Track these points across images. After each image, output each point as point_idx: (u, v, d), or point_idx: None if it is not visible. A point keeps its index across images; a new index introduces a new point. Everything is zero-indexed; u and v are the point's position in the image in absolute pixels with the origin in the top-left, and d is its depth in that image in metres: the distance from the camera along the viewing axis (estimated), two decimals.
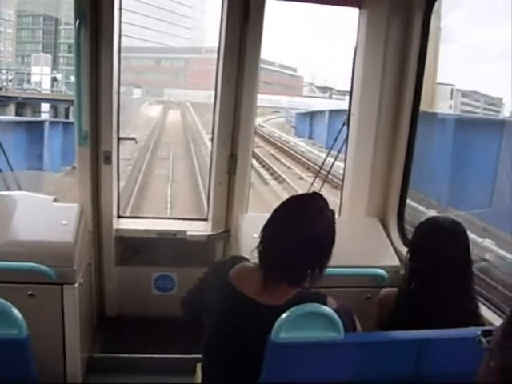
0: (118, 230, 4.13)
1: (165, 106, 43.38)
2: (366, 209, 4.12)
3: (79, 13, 3.55)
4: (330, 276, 3.31)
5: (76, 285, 3.33)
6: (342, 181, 4.39)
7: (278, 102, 46.94)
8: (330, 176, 5.00)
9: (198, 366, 2.63)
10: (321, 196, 2.27)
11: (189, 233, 4.18)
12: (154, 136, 25.67)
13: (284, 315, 1.91)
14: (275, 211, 2.22)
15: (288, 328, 1.92)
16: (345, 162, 4.29)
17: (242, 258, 2.39)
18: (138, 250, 4.20)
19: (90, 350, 3.81)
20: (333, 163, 4.66)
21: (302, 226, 2.13)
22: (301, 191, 4.71)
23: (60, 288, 3.29)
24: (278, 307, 2.04)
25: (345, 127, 4.23)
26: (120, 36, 3.96)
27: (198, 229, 4.28)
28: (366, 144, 4.01)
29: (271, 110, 44.02)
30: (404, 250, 3.84)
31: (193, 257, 4.21)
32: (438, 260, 2.57)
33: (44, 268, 3.19)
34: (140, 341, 3.91)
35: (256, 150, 19.10)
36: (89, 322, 3.88)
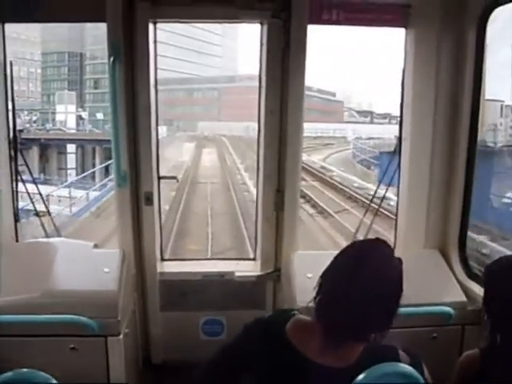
0: (162, 274, 4.17)
1: (198, 143, 40.59)
2: (424, 241, 4.08)
3: (113, 49, 3.66)
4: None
5: (121, 336, 3.38)
6: (396, 212, 4.36)
7: (326, 131, 45.90)
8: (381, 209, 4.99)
9: None
10: (385, 242, 2.19)
11: (237, 273, 4.19)
12: (181, 199, 19.62)
13: (359, 378, 1.82)
14: (336, 257, 2.13)
15: None
16: (398, 191, 4.28)
17: (289, 311, 2.28)
18: (184, 293, 4.22)
19: None
20: (384, 194, 4.67)
21: (369, 276, 2.03)
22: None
23: (104, 340, 3.34)
24: (348, 369, 1.95)
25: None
26: (156, 69, 4.04)
27: (246, 269, 4.29)
28: (421, 172, 3.99)
29: (322, 142, 41.98)
30: (469, 283, 3.81)
31: (242, 299, 4.23)
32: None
33: (86, 320, 3.25)
34: None
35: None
36: (134, 370, 3.91)
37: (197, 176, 26.37)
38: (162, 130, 39.09)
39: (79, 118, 42.33)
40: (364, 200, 17.16)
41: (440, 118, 3.87)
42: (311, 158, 34.08)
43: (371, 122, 51.16)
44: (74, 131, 40.69)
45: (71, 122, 41.63)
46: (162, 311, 4.21)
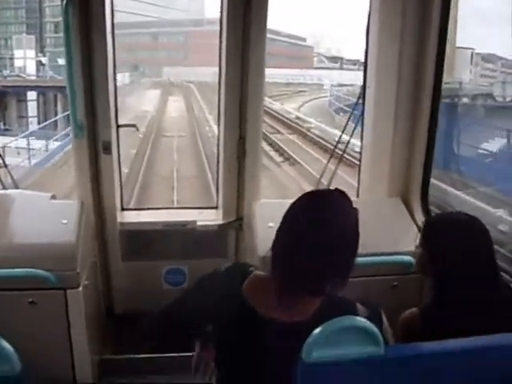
0: (122, 224, 4.14)
1: (163, 90, 39.13)
2: (387, 189, 4.10)
3: None
4: (356, 265, 3.36)
5: (80, 288, 3.33)
6: (360, 160, 4.37)
7: (297, 77, 44.28)
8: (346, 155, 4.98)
9: None
10: (342, 192, 2.13)
11: (199, 222, 4.18)
12: (142, 159, 18.13)
13: (315, 332, 1.79)
14: (290, 209, 2.05)
15: (320, 346, 1.78)
16: (361, 139, 4.27)
17: (247, 267, 2.21)
18: (146, 243, 4.20)
19: (100, 352, 3.83)
20: (348, 141, 4.65)
21: (323, 226, 1.97)
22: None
23: (63, 293, 3.30)
24: (305, 324, 1.90)
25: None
26: (113, 12, 3.90)
27: (209, 218, 4.28)
28: (385, 119, 3.97)
29: (294, 89, 40.76)
30: None
31: (204, 248, 4.22)
32: (465, 259, 2.49)
33: (44, 273, 3.18)
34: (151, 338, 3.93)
35: None
36: (97, 322, 3.89)
37: (162, 128, 24.88)
38: (125, 77, 36.16)
39: (39, 63, 40.71)
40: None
41: (405, 65, 3.82)
42: (284, 106, 34.10)
43: (341, 68, 50.07)
44: (34, 78, 38.99)
45: (31, 68, 39.91)
46: (123, 261, 4.19)
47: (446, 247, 2.55)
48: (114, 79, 4.02)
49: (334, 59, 52.77)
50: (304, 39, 54.02)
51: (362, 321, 1.85)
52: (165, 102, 34.93)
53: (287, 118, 27.65)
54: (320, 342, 1.79)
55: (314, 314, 1.98)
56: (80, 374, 3.44)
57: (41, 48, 42.93)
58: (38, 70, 40.44)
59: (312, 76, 45.69)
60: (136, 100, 31.10)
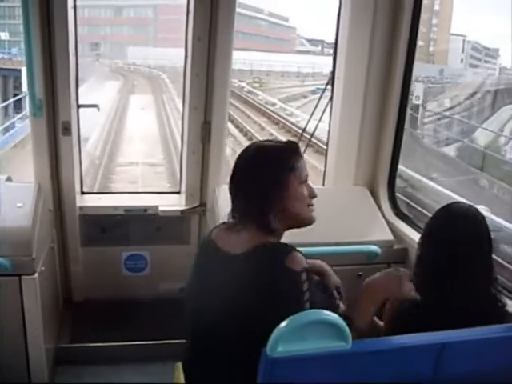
0: (82, 208, 4.05)
1: (124, 84, 29.30)
2: (354, 177, 4.10)
3: None
4: (321, 255, 3.36)
5: (36, 275, 3.24)
6: (327, 146, 4.34)
7: (275, 63, 39.35)
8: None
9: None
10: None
11: (161, 208, 4.11)
12: None
13: (281, 326, 1.78)
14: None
15: (286, 340, 1.77)
16: (329, 125, 4.24)
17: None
18: (105, 228, 4.13)
19: (56, 341, 3.76)
20: (316, 126, 4.63)
21: (255, 171, 2.17)
22: None
23: (18, 279, 3.20)
24: (243, 255, 2.08)
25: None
26: None
27: (171, 203, 4.22)
28: (354, 107, 3.95)
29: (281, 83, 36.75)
30: (396, 221, 3.88)
31: (166, 234, 4.18)
32: (455, 248, 2.42)
33: None
34: (111, 326, 3.88)
35: None
36: (54, 310, 3.82)
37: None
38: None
39: None
40: None
41: (376, 55, 3.81)
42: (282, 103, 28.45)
43: (322, 53, 45.44)
44: None
45: None
46: (82, 247, 4.11)
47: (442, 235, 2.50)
48: (76, 56, 3.90)
49: (314, 42, 49.68)
50: (286, 19, 49.63)
51: (329, 315, 1.83)
52: (123, 109, 22.72)
53: (285, 120, 21.44)
54: (285, 336, 1.77)
55: (253, 248, 2.09)
56: (34, 362, 3.35)
57: None
58: None
59: (298, 63, 41.10)
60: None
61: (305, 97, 31.64)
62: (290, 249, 2.09)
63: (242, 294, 2.04)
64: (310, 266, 2.28)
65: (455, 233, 2.45)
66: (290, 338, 1.78)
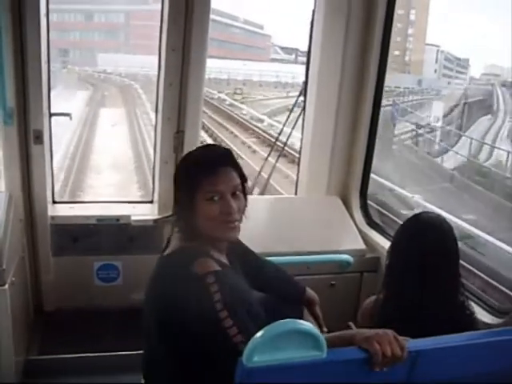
0: (53, 218, 4.01)
1: (93, 94, 26.65)
2: (326, 187, 4.14)
3: None
4: (293, 264, 3.39)
5: (6, 286, 3.18)
6: (299, 155, 4.39)
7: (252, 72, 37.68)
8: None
9: None
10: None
11: (133, 217, 4.10)
12: None
13: (257, 336, 1.79)
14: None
15: (262, 350, 1.78)
16: (302, 134, 4.28)
17: None
18: (77, 237, 4.10)
19: (26, 353, 3.71)
20: (289, 134, 4.67)
21: None
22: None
23: None
24: (161, 257, 2.21)
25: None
26: None
27: (143, 212, 4.21)
28: (326, 116, 4.00)
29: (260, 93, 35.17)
30: (368, 230, 3.93)
31: (138, 243, 4.16)
32: (424, 257, 2.49)
33: None
34: (82, 336, 3.84)
35: None
36: (24, 320, 3.77)
37: None
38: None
39: None
40: None
41: (348, 64, 3.87)
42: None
43: (295, 62, 44.29)
44: None
45: None
46: (54, 256, 4.07)
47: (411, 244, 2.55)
48: (48, 64, 3.88)
49: (288, 50, 48.59)
50: (261, 26, 48.79)
51: (304, 325, 1.85)
52: (91, 125, 19.73)
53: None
54: (261, 346, 1.78)
55: (172, 251, 2.19)
56: (3, 375, 3.29)
57: None
58: None
59: (276, 71, 39.57)
60: None
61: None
62: (199, 254, 2.09)
63: (156, 295, 2.13)
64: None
65: (424, 243, 2.51)
66: (266, 347, 1.79)
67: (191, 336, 2.00)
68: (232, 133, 20.33)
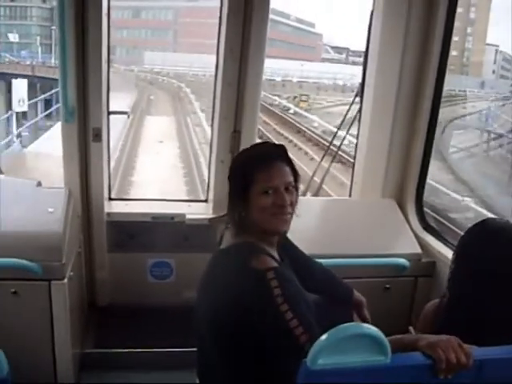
0: (109, 214, 4.10)
1: (138, 100, 23.16)
2: (381, 189, 4.11)
3: None
4: (347, 267, 3.40)
5: (65, 280, 3.28)
6: (354, 158, 4.37)
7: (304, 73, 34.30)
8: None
9: None
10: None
11: (188, 216, 4.15)
12: None
13: (322, 339, 1.81)
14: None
15: (326, 353, 1.79)
16: (357, 137, 4.27)
17: None
18: (132, 234, 4.18)
19: (81, 346, 3.80)
20: (343, 138, 4.68)
21: None
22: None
23: (47, 284, 3.24)
24: (217, 252, 2.37)
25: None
26: None
27: (198, 211, 4.26)
28: (383, 118, 3.98)
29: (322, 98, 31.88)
30: (424, 234, 3.89)
31: (192, 242, 4.21)
32: (496, 264, 2.43)
33: (29, 264, 3.14)
34: (134, 332, 3.93)
35: None
36: (79, 314, 3.86)
37: None
38: None
39: None
40: None
41: (407, 65, 3.83)
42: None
43: (346, 62, 43.64)
44: None
45: None
46: (109, 253, 4.16)
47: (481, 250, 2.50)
48: (108, 63, 3.97)
49: (338, 49, 47.69)
50: (313, 25, 47.70)
51: (369, 328, 1.86)
52: (134, 142, 16.22)
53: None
54: (326, 349, 1.80)
55: (227, 246, 2.33)
56: (61, 367, 3.40)
57: None
58: None
59: (332, 73, 36.64)
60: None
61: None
62: (256, 250, 2.18)
63: (212, 289, 2.22)
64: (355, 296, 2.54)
65: (496, 249, 2.46)
66: (330, 350, 1.81)
67: (250, 330, 2.07)
68: (307, 154, 16.94)
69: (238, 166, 2.34)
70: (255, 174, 2.21)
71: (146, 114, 20.77)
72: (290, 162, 2.29)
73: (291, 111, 26.48)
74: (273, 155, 2.26)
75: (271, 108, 24.25)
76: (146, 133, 17.57)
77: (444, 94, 3.82)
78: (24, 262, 3.14)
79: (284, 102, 28.13)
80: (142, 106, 22.44)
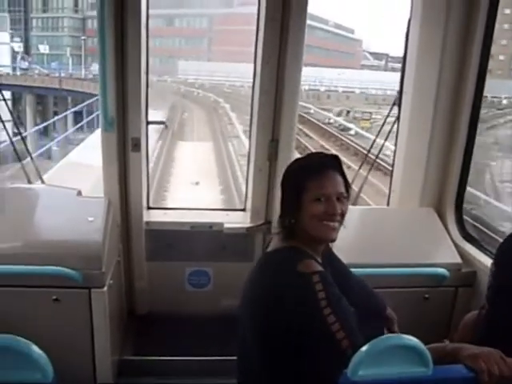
0: (148, 223, 4.16)
1: (171, 115, 20.50)
2: (420, 198, 4.09)
3: None
4: (386, 276, 3.40)
5: (105, 288, 3.35)
6: (392, 167, 4.36)
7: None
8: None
9: None
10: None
11: (226, 225, 4.19)
12: None
13: (362, 350, 1.83)
14: None
15: (367, 364, 1.81)
16: (396, 145, 4.25)
17: None
18: (170, 243, 4.23)
19: (120, 353, 3.86)
20: (382, 146, 4.68)
21: None
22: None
23: (88, 292, 3.32)
24: (262, 255, 2.50)
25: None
26: (148, 2, 3.86)
27: (236, 220, 4.30)
28: (422, 126, 3.96)
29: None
30: (464, 244, 3.86)
31: (229, 250, 4.25)
32: None
33: (70, 272, 3.22)
34: (172, 340, 3.97)
35: None
36: (118, 322, 3.92)
37: None
38: None
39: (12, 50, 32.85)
40: None
41: (445, 73, 3.80)
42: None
43: (385, 68, 42.00)
44: (8, 71, 30.95)
45: (4, 58, 31.05)
46: (147, 261, 4.22)
47: None
48: (147, 74, 4.03)
49: (378, 55, 46.61)
50: (352, 31, 46.53)
51: (411, 340, 1.86)
52: (160, 183, 10.80)
53: None
54: (367, 360, 1.82)
55: (273, 250, 2.40)
56: (101, 373, 3.47)
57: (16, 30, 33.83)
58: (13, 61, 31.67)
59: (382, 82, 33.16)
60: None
61: None
62: (303, 255, 2.24)
63: (259, 289, 2.26)
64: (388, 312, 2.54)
65: None
66: (371, 362, 1.82)
67: (292, 331, 2.11)
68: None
69: (292, 173, 2.39)
70: (308, 181, 2.27)
71: (177, 139, 17.72)
72: (342, 173, 2.34)
73: (352, 132, 22.68)
74: (327, 164, 2.32)
75: (324, 127, 21.73)
76: (178, 166, 13.81)
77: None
78: (65, 269, 3.22)
79: (340, 120, 25.08)
80: (174, 127, 19.33)
